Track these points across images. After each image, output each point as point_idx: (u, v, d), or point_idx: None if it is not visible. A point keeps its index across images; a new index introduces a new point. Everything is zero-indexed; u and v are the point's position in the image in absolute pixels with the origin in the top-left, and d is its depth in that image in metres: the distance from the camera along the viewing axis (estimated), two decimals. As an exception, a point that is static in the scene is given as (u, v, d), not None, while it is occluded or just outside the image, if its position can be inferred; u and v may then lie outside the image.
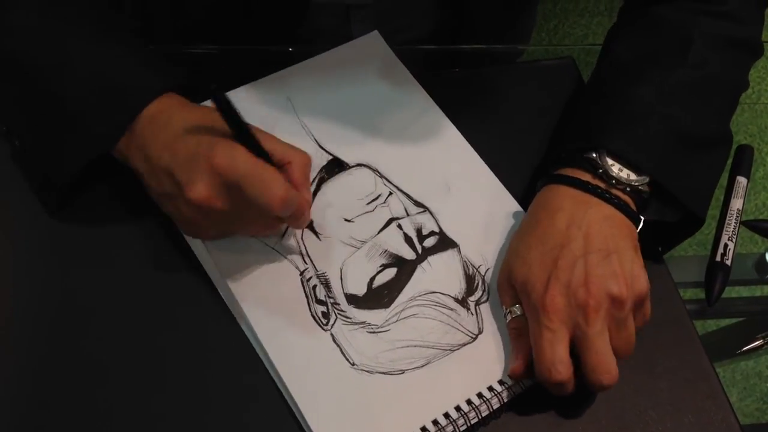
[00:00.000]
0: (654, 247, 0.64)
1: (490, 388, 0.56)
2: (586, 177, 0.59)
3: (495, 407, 0.55)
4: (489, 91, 0.72)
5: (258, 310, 0.57)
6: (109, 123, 0.57)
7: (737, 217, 0.66)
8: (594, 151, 0.59)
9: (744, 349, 0.88)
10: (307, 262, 0.60)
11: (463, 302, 0.59)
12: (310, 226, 0.62)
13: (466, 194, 0.64)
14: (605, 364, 0.53)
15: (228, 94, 0.52)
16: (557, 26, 1.97)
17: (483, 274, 0.61)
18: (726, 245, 0.64)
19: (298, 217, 0.56)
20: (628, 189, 0.59)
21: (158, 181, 0.56)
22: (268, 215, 0.54)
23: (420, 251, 0.61)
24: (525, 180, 0.67)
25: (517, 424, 0.56)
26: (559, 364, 0.53)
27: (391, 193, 0.64)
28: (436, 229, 0.62)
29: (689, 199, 0.60)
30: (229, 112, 0.52)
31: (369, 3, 0.76)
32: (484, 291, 0.60)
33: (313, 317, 0.58)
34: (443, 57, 0.73)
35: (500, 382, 0.56)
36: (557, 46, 1.91)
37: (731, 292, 1.32)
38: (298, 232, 0.61)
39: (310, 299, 0.59)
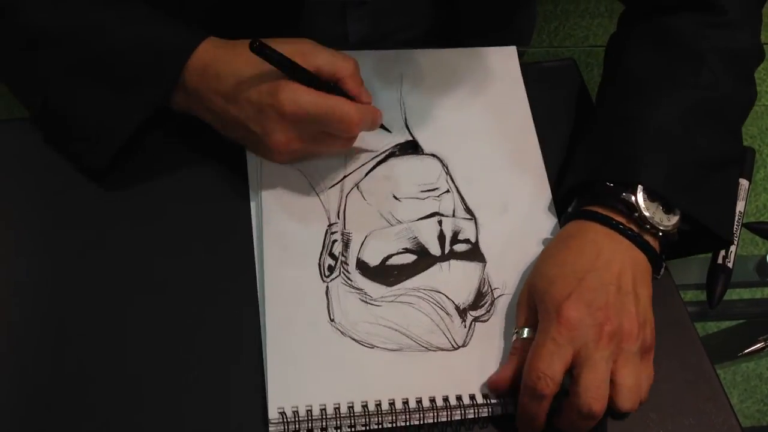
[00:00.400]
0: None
1: (458, 398, 0.55)
2: (620, 219, 0.58)
3: (455, 417, 0.54)
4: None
5: (275, 241, 0.60)
6: (159, 81, 0.60)
7: (739, 219, 0.66)
8: (628, 190, 0.58)
9: (745, 351, 0.88)
10: (339, 217, 0.62)
11: (462, 313, 0.59)
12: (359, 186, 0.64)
13: (518, 219, 0.64)
14: (600, 391, 0.52)
15: (349, 52, 0.59)
16: (558, 28, 1.97)
17: (495, 297, 0.60)
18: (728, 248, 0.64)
19: (372, 126, 0.61)
20: (659, 234, 0.58)
21: (234, 129, 0.61)
22: (348, 136, 0.60)
23: (447, 252, 0.61)
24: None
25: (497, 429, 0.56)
26: (551, 377, 0.52)
27: (448, 191, 0.64)
28: (473, 239, 0.62)
29: (719, 226, 0.60)
30: (275, 59, 0.56)
31: (366, 1, 0.76)
32: (488, 312, 0.60)
33: (319, 266, 0.60)
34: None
35: (458, 398, 0.55)
36: (558, 47, 1.92)
37: (732, 294, 1.32)
38: (347, 189, 0.64)
39: (324, 249, 0.60)
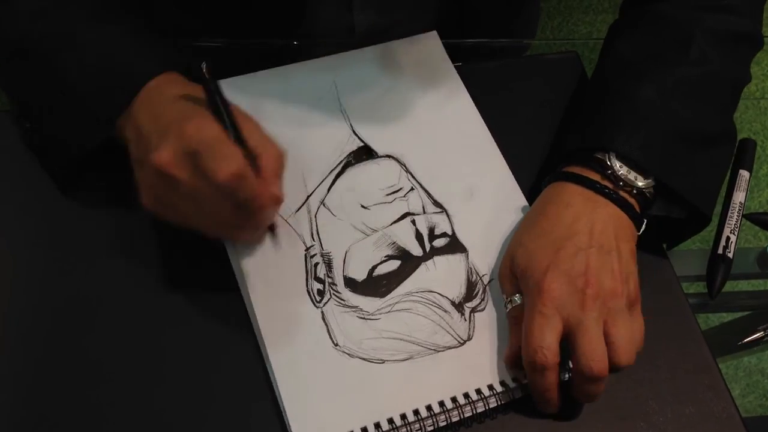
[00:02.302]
0: (659, 242, 0.65)
1: (478, 391, 0.56)
2: (595, 177, 0.59)
3: (479, 410, 0.55)
4: (492, 85, 0.73)
5: (257, 276, 0.59)
6: (110, 106, 0.58)
7: (740, 210, 0.66)
8: (603, 152, 0.60)
9: (745, 341, 0.88)
10: (315, 239, 0.61)
11: (459, 306, 0.60)
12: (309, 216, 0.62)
13: (487, 204, 0.64)
14: (597, 352, 0.53)
15: (277, 70, 0.55)
16: (561, 24, 1.97)
17: (486, 283, 0.61)
18: (728, 238, 0.65)
19: (258, 209, 0.53)
20: (634, 191, 0.59)
21: (137, 146, 0.56)
22: (224, 200, 0.52)
23: (428, 249, 0.62)
24: (528, 174, 0.67)
25: (518, 415, 0.56)
26: (546, 348, 0.53)
27: (412, 188, 0.64)
28: (449, 231, 0.63)
29: (695, 196, 0.61)
30: (206, 85, 0.53)
31: None
32: (483, 300, 0.60)
33: (308, 292, 0.59)
34: (447, 50, 0.73)
35: (477, 391, 0.56)
36: (561, 41, 1.91)
37: (733, 286, 1.32)
38: (313, 208, 0.62)
39: (309, 275, 0.60)
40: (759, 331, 0.86)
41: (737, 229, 0.65)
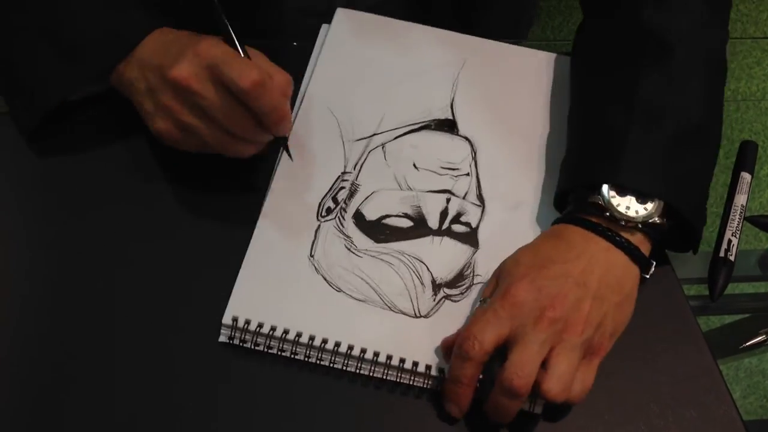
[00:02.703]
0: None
1: (401, 360, 0.56)
2: (596, 220, 0.58)
3: (389, 377, 0.56)
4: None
5: (287, 173, 0.63)
6: (107, 57, 0.61)
7: (741, 212, 0.66)
8: (595, 192, 0.58)
9: (747, 344, 0.88)
10: (355, 168, 0.65)
11: (436, 287, 0.60)
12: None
13: (524, 219, 0.64)
14: (525, 368, 0.51)
15: (421, 27, 0.64)
16: (561, 24, 1.97)
17: (474, 282, 0.61)
18: (730, 241, 0.65)
19: (278, 119, 0.57)
20: (639, 226, 0.58)
21: (145, 77, 0.59)
22: (241, 111, 0.56)
23: (444, 228, 0.63)
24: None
25: (517, 417, 0.56)
26: (480, 340, 0.52)
27: (467, 174, 0.66)
28: (474, 225, 0.63)
29: (683, 200, 0.59)
30: (214, 12, 0.57)
31: None
32: (461, 293, 0.60)
33: (319, 205, 0.63)
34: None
35: (401, 360, 0.56)
36: (555, 41, 1.92)
37: (734, 288, 1.32)
38: (372, 145, 0.66)
39: (330, 192, 0.63)
40: (761, 335, 0.86)
41: (739, 232, 0.65)
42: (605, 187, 0.58)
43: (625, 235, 0.57)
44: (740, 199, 0.66)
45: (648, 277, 0.59)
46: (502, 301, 0.54)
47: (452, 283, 0.61)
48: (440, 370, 0.56)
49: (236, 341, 0.56)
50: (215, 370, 0.56)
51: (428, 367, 0.56)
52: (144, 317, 0.58)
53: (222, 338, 0.57)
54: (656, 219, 0.58)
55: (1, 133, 0.66)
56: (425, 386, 0.56)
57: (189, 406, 0.55)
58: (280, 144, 0.61)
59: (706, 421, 0.57)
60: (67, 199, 0.64)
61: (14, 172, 0.65)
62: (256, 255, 0.59)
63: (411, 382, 0.56)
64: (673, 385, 0.59)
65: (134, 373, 0.56)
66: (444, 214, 0.63)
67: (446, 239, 0.62)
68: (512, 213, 0.64)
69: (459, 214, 0.63)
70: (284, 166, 0.64)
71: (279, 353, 0.56)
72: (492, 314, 0.54)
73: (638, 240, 0.58)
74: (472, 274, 0.61)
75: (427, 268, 0.61)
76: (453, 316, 0.59)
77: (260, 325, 0.56)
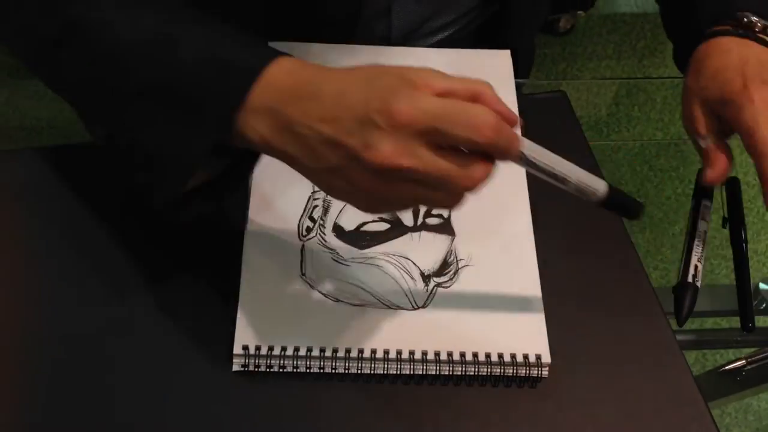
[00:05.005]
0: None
1: (411, 352, 0.58)
2: (741, 29, 0.67)
3: (403, 371, 0.58)
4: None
5: (261, 201, 0.65)
6: (222, 99, 0.50)
7: (703, 239, 0.68)
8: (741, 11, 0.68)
9: (727, 367, 0.87)
10: None
11: (426, 278, 0.63)
12: None
13: (491, 203, 0.66)
14: None
15: (344, 47, 0.60)
16: (566, 69, 2.00)
17: (460, 267, 0.64)
18: (696, 266, 0.66)
19: (509, 145, 0.48)
20: None
21: (317, 157, 0.47)
22: (471, 162, 0.47)
23: (419, 223, 0.66)
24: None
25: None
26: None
27: None
28: (446, 215, 0.67)
29: None
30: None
31: None
32: (451, 279, 0.63)
33: (298, 227, 0.65)
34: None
35: (411, 352, 0.58)
36: (552, 81, 1.94)
37: (731, 321, 1.30)
38: None
39: (305, 213, 0.66)
40: (742, 359, 0.85)
41: (703, 258, 0.67)
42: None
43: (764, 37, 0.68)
44: (703, 226, 0.69)
45: None
46: (753, 107, 0.62)
47: (440, 272, 0.63)
48: (449, 354, 0.59)
49: (250, 367, 0.58)
50: (236, 398, 0.57)
51: (437, 354, 0.58)
52: (151, 364, 0.59)
53: (235, 367, 0.58)
54: None
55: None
56: (437, 373, 0.59)
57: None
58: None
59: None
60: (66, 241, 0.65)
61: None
62: (250, 284, 0.61)
63: (424, 372, 0.58)
64: (661, 420, 0.59)
65: (161, 422, 0.57)
66: (416, 211, 0.66)
67: (424, 233, 0.65)
68: (478, 197, 0.65)
69: (430, 209, 0.66)
70: (256, 197, 0.66)
71: (294, 370, 0.58)
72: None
73: None
74: (455, 260, 0.64)
75: (413, 263, 0.63)
76: (448, 302, 0.62)
77: (271, 348, 0.58)
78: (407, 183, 0.47)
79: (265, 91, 0.49)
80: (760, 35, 0.67)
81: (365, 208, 0.51)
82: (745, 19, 0.67)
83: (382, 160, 0.45)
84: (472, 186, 0.48)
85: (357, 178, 0.47)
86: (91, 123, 0.63)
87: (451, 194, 0.49)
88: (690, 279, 0.65)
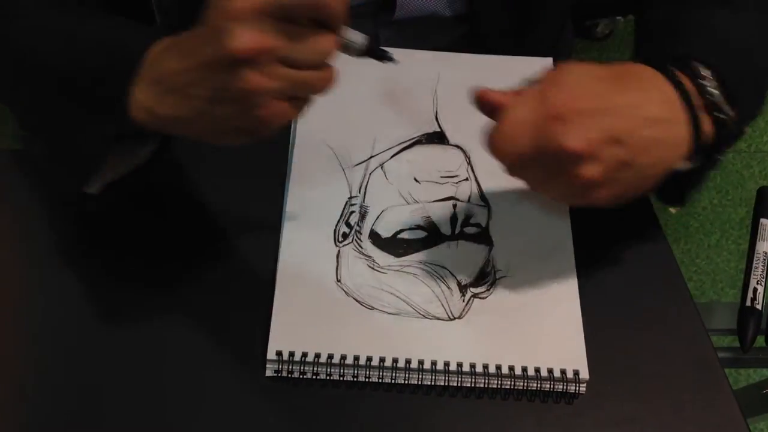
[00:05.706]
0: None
1: (446, 363, 0.58)
2: (684, 80, 0.57)
3: (438, 381, 0.58)
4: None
5: (298, 205, 0.66)
6: (116, 81, 0.53)
7: (764, 260, 0.65)
8: (701, 63, 0.58)
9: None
10: (360, 192, 0.67)
11: (463, 288, 0.62)
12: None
13: (530, 211, 0.67)
14: None
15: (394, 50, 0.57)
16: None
17: (497, 278, 0.63)
18: (755, 289, 0.64)
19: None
20: (714, 113, 0.57)
21: (197, 94, 0.50)
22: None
23: (457, 232, 0.65)
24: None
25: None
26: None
27: (467, 179, 0.68)
28: (483, 224, 0.66)
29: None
30: None
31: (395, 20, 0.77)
32: (488, 290, 0.63)
33: (335, 232, 0.65)
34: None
35: (446, 363, 0.58)
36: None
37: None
38: (371, 167, 0.69)
39: (342, 218, 0.66)
40: None
41: (764, 279, 0.64)
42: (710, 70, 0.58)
43: (699, 113, 0.56)
44: (763, 246, 0.65)
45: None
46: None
47: (477, 282, 0.63)
48: (484, 366, 0.58)
49: (283, 373, 0.58)
50: (268, 403, 0.57)
51: (473, 366, 0.58)
52: (184, 367, 0.59)
53: (269, 372, 0.58)
54: (728, 116, 0.57)
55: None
56: (472, 386, 0.58)
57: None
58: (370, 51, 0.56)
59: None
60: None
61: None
62: (285, 289, 0.61)
63: (459, 384, 0.58)
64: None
65: (194, 425, 0.57)
66: (454, 219, 0.66)
67: (461, 242, 0.65)
68: (517, 206, 0.67)
69: (468, 217, 0.66)
70: (293, 202, 0.66)
71: (327, 378, 0.58)
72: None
73: (707, 130, 0.57)
74: (493, 270, 0.63)
75: (450, 273, 0.63)
76: (484, 312, 0.61)
77: (305, 354, 0.57)
78: (275, 66, 0.48)
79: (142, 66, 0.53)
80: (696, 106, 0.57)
81: (252, 122, 0.51)
82: (700, 79, 0.57)
83: (245, 44, 0.46)
84: (329, 51, 0.50)
85: (234, 86, 0.47)
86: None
87: (316, 67, 0.50)
88: (749, 303, 0.64)
